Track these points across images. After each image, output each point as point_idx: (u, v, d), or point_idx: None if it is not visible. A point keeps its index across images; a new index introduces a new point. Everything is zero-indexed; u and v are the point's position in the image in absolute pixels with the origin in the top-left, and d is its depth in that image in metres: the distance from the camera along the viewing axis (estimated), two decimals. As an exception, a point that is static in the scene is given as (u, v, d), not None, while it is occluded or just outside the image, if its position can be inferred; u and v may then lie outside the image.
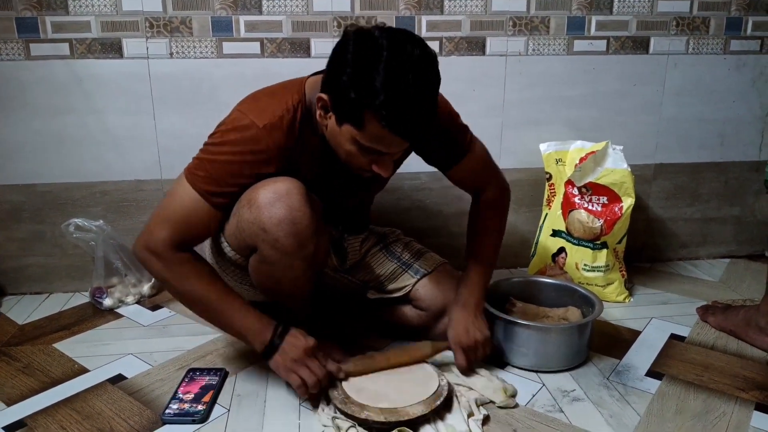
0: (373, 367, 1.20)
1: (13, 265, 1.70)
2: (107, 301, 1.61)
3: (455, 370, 1.25)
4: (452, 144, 1.23)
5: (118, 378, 1.28)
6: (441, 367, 1.25)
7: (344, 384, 1.15)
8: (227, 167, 1.07)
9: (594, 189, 1.60)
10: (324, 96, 1.02)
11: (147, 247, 1.09)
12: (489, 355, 1.27)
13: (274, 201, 1.05)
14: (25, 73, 1.57)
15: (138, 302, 1.65)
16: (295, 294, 1.20)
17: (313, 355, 1.13)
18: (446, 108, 1.21)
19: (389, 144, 1.01)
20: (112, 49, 1.58)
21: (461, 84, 1.68)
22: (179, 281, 1.11)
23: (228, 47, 1.60)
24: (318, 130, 1.10)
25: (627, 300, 1.65)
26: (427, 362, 1.23)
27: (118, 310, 1.61)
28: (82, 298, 1.69)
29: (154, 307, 1.63)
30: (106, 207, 1.68)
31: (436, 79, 1.00)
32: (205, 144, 1.10)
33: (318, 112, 1.05)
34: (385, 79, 0.93)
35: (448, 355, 1.26)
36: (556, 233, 1.69)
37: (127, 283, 1.65)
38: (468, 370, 1.24)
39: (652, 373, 1.29)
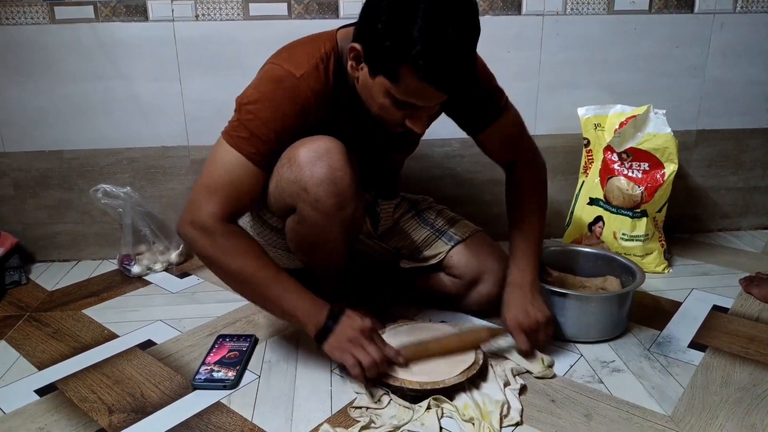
0: (428, 353, 1.11)
1: (43, 233, 1.70)
2: (135, 269, 1.60)
3: (513, 350, 1.18)
4: (486, 104, 1.17)
5: (148, 344, 1.27)
6: (497, 351, 1.18)
7: None
8: (270, 123, 1.01)
9: (635, 155, 1.53)
10: (357, 46, 0.97)
11: (193, 223, 1.02)
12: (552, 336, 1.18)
13: (315, 160, 1.01)
14: (50, 38, 1.54)
15: (166, 270, 1.64)
16: (330, 258, 1.17)
17: (371, 337, 1.05)
18: (482, 67, 1.15)
19: (425, 97, 0.96)
20: (137, 11, 1.54)
21: (495, 45, 1.61)
22: (229, 258, 1.03)
23: (254, 9, 1.56)
24: (350, 83, 1.05)
25: (666, 271, 1.59)
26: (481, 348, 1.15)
27: (146, 278, 1.60)
28: (110, 266, 1.69)
29: (183, 275, 1.62)
30: (134, 174, 1.67)
31: (477, 29, 0.94)
32: (241, 104, 1.04)
33: (350, 63, 1.00)
34: (423, 28, 0.87)
35: (507, 340, 1.19)
36: (593, 201, 1.63)
37: (155, 250, 1.65)
38: (531, 354, 1.15)
39: (694, 344, 1.24)
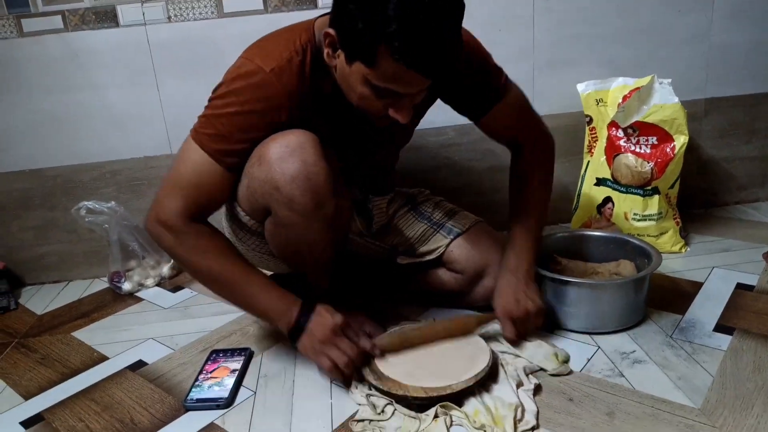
0: (410, 342, 1.08)
1: (30, 255, 1.64)
2: (126, 285, 1.53)
3: (500, 338, 1.12)
4: (484, 86, 1.09)
5: (139, 364, 1.21)
6: (485, 336, 1.12)
7: (378, 362, 1.04)
8: (236, 120, 0.95)
9: (641, 129, 1.44)
10: (331, 31, 0.89)
11: (158, 220, 0.99)
12: (541, 326, 1.12)
13: (286, 156, 0.93)
14: (19, 52, 1.48)
15: (158, 284, 1.58)
16: (316, 260, 1.09)
17: (342, 333, 1.03)
18: (476, 46, 1.07)
19: (406, 83, 0.88)
20: (107, 17, 1.47)
21: (485, 26, 1.52)
22: (195, 257, 1.01)
23: (229, 5, 1.48)
24: (331, 74, 0.97)
25: (683, 250, 1.50)
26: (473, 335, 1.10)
27: (138, 294, 1.54)
28: (101, 284, 1.62)
29: (175, 289, 1.55)
30: (118, 187, 1.60)
31: (460, 4, 0.85)
32: (210, 99, 0.99)
33: (326, 51, 0.92)
34: (399, 6, 0.79)
35: (495, 327, 1.13)
36: (600, 182, 1.54)
37: (145, 265, 1.58)
38: (517, 343, 1.10)
39: (720, 327, 1.16)
